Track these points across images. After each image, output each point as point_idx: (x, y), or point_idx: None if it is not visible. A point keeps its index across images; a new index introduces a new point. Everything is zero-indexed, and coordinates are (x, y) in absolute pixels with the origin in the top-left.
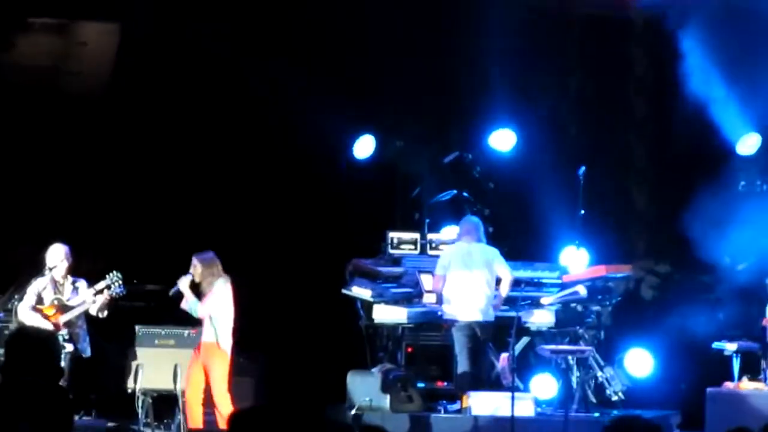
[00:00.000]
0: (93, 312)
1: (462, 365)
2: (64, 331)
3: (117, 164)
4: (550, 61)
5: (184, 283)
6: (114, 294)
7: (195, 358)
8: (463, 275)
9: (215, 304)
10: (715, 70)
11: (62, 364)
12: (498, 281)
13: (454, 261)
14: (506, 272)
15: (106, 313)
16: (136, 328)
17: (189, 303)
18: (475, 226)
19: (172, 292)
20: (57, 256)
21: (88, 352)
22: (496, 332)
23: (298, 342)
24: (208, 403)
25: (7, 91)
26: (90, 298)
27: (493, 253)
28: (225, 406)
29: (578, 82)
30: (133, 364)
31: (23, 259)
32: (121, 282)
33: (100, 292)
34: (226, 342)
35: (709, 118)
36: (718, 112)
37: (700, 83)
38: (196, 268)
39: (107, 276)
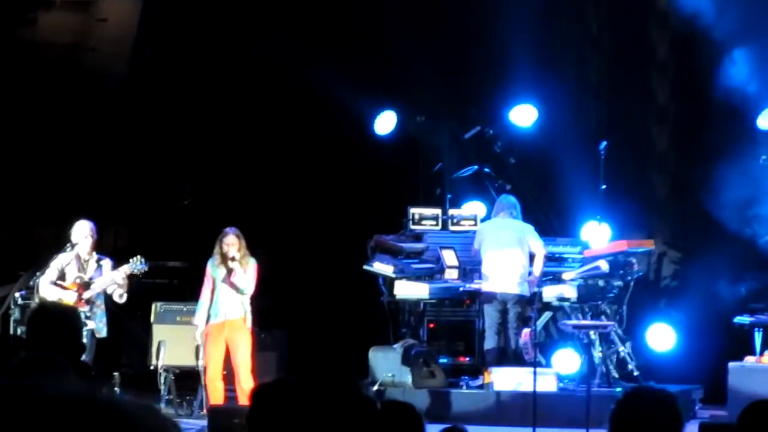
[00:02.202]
0: (115, 297)
1: (490, 341)
2: (86, 308)
3: (138, 141)
4: (571, 36)
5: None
6: (136, 270)
7: (215, 336)
8: (497, 251)
9: (254, 281)
10: (736, 43)
11: (84, 340)
12: (532, 258)
13: (488, 237)
14: (539, 248)
15: (125, 297)
16: (157, 305)
17: (242, 278)
18: (512, 204)
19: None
20: (82, 232)
21: (104, 333)
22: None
23: (320, 318)
24: (228, 379)
25: (28, 67)
26: (118, 279)
27: (527, 229)
28: (249, 383)
29: (599, 55)
30: (155, 341)
31: (45, 238)
32: (143, 260)
33: (126, 276)
34: (251, 319)
35: (730, 91)
36: (739, 86)
37: (721, 56)
38: (239, 242)
39: (130, 260)
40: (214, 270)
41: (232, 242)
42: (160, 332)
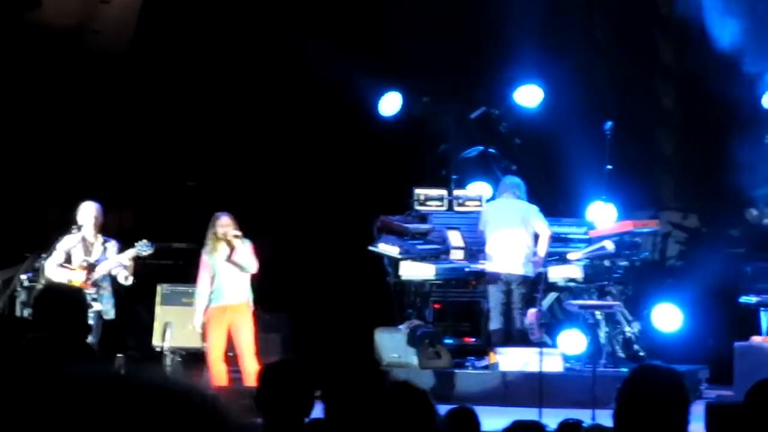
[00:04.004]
0: (120, 279)
1: (495, 321)
2: (92, 290)
3: (141, 123)
4: (575, 15)
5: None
6: (142, 252)
7: (217, 319)
8: (501, 231)
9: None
10: (743, 23)
11: (90, 322)
12: (537, 238)
13: (493, 218)
14: (544, 228)
15: (131, 280)
16: (162, 286)
17: (246, 255)
18: (516, 184)
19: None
20: (88, 213)
21: (111, 314)
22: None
23: (325, 299)
24: (233, 361)
25: (31, 50)
26: (124, 262)
27: (532, 209)
28: (254, 364)
29: (604, 34)
30: (161, 322)
31: (50, 220)
32: (149, 243)
33: (132, 258)
34: (252, 301)
35: (736, 73)
36: (745, 67)
37: (728, 37)
38: (234, 222)
39: (135, 245)
40: (210, 257)
41: (226, 223)
42: (165, 314)
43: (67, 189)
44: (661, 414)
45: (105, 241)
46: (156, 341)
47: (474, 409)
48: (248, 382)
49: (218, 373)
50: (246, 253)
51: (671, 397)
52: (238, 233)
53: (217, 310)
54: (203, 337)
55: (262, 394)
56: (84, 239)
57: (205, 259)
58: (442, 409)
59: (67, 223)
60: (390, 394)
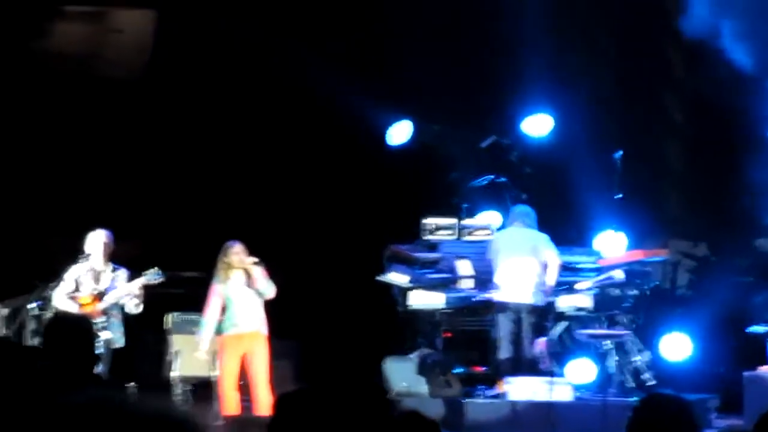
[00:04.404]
0: (129, 307)
1: (504, 351)
2: (102, 318)
3: (154, 151)
4: (585, 43)
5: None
6: (152, 281)
7: (232, 348)
8: (511, 260)
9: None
10: (753, 44)
11: (100, 350)
12: (546, 267)
13: (503, 246)
14: (553, 257)
15: (141, 307)
16: (172, 315)
17: (264, 280)
18: (526, 213)
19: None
20: (97, 241)
21: (121, 343)
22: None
23: (335, 328)
24: (243, 390)
25: (44, 78)
26: (133, 290)
27: (542, 238)
28: (267, 393)
29: (614, 63)
30: (171, 351)
31: (59, 248)
32: (159, 271)
33: (141, 287)
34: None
35: (750, 91)
36: (757, 91)
37: (742, 56)
38: (246, 252)
39: (144, 273)
40: (223, 286)
41: (238, 251)
42: (175, 342)
43: (76, 217)
44: None
45: (114, 269)
46: (166, 370)
47: None
48: (259, 411)
49: (229, 402)
50: (264, 279)
51: (681, 427)
52: (255, 259)
53: (232, 339)
54: (212, 365)
55: (276, 423)
56: (93, 268)
57: (217, 288)
58: None
59: (75, 252)
60: (399, 423)
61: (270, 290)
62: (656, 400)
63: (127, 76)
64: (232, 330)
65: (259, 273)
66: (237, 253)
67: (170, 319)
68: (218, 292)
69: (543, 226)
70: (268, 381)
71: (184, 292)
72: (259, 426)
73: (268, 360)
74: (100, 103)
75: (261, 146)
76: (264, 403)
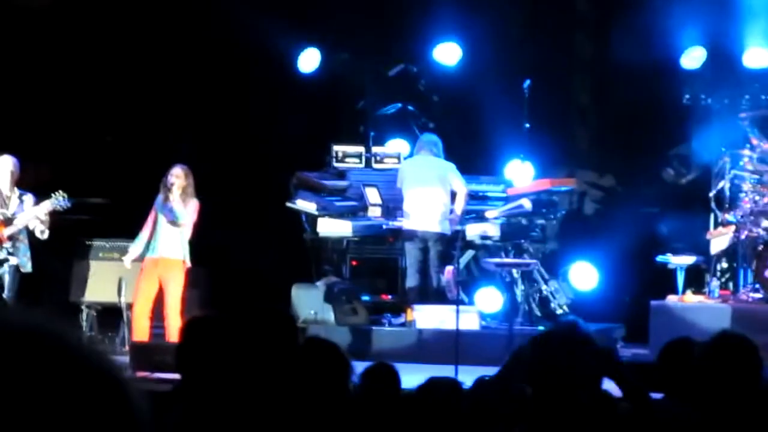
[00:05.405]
0: (37, 233)
1: (412, 279)
2: (8, 245)
3: (63, 76)
4: None
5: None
6: (59, 207)
7: (149, 271)
8: (418, 189)
9: (192, 220)
10: None
11: (6, 277)
12: (454, 196)
13: (410, 175)
14: (461, 186)
15: (47, 233)
16: (80, 241)
17: (178, 205)
18: (434, 141)
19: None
20: (4, 167)
21: (28, 268)
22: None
23: (242, 255)
24: (154, 317)
25: None
26: (40, 215)
27: (449, 167)
28: (178, 321)
29: None
30: (77, 277)
31: None
32: (66, 196)
33: (48, 212)
34: (189, 258)
35: (654, 30)
36: (662, 24)
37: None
38: (186, 177)
39: (52, 195)
40: (159, 206)
41: (177, 173)
42: (82, 267)
43: None
44: (573, 369)
45: (21, 195)
46: (72, 295)
47: (395, 366)
48: (170, 337)
49: (140, 328)
50: (179, 204)
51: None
52: (176, 183)
53: (151, 262)
54: (122, 289)
55: (183, 348)
56: (0, 193)
57: (155, 206)
58: (359, 366)
59: None
60: (302, 349)
61: (181, 217)
62: (555, 334)
63: (36, 1)
64: (151, 253)
65: (178, 199)
66: (172, 175)
67: (77, 244)
68: (154, 209)
69: (451, 154)
70: (178, 309)
71: (92, 218)
72: (167, 351)
73: (182, 289)
74: (9, 27)
75: (170, 72)
76: (174, 330)
